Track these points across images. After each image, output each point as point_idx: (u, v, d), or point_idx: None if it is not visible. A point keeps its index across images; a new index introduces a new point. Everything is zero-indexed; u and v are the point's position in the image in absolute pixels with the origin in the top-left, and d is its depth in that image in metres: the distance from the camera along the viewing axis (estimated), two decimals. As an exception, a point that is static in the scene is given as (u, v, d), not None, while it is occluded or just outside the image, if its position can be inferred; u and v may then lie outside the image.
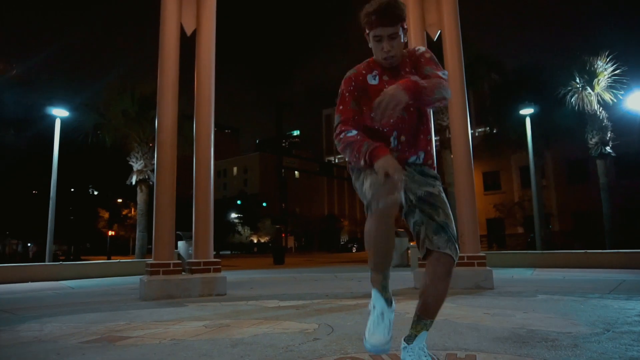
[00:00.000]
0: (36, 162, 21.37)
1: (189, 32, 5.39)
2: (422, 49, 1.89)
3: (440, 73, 1.74)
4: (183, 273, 4.92)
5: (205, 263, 4.93)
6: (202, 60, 5.41)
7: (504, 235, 28.40)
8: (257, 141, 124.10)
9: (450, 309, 3.45)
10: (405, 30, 1.81)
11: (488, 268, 4.99)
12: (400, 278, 6.73)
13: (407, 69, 1.83)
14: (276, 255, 18.29)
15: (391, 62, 1.82)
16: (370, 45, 1.84)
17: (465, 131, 5.33)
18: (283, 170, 32.47)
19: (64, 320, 3.40)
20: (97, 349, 2.35)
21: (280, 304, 4.11)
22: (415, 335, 1.77)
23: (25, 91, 13.73)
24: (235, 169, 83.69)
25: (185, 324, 3.10)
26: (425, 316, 1.77)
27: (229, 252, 51.13)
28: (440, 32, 5.57)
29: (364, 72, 1.85)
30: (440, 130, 13.96)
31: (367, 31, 1.81)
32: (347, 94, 1.82)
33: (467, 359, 1.95)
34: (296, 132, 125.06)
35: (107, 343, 2.50)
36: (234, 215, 55.01)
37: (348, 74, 1.86)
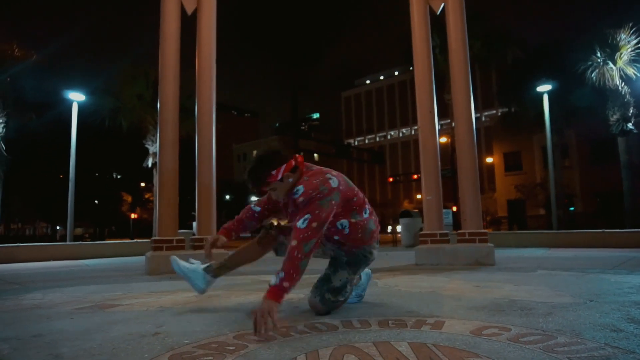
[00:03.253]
0: (60, 147, 22.01)
1: (189, 11, 5.41)
2: (299, 192, 2.13)
3: (299, 223, 2.05)
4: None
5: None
6: (203, 39, 5.43)
7: (525, 217, 27.92)
8: (277, 125, 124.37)
9: (442, 282, 3.47)
10: (283, 177, 2.16)
11: (489, 244, 4.95)
12: (404, 256, 6.75)
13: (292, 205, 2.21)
14: (292, 236, 18.45)
15: (282, 201, 2.32)
16: None
17: (468, 111, 5.22)
18: (301, 153, 32.51)
19: (67, 291, 3.56)
20: (86, 314, 2.46)
21: (277, 278, 4.18)
22: None
23: (44, 76, 14.07)
24: (255, 152, 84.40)
25: (179, 294, 3.21)
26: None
27: (249, 235, 51.87)
28: (444, 6, 5.43)
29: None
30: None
31: None
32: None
33: (435, 324, 1.97)
34: (316, 115, 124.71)
35: (97, 309, 2.62)
36: (253, 198, 55.67)
37: None
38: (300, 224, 2.04)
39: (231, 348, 1.66)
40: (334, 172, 2.25)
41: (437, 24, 6.50)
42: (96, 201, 33.89)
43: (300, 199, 2.09)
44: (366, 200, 2.38)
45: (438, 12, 5.46)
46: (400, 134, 75.45)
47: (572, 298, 2.57)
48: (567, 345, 1.57)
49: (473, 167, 5.12)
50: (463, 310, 2.27)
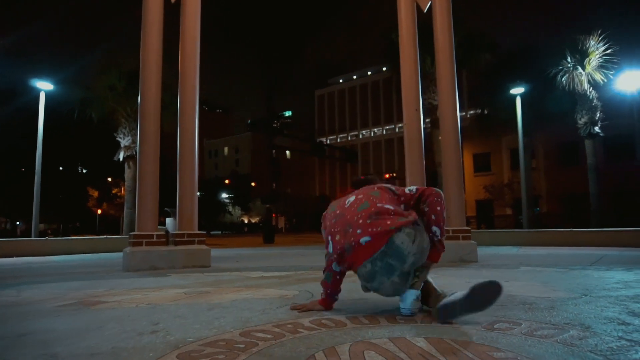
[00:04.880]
0: (22, 138, 21.00)
1: (173, -1, 5.22)
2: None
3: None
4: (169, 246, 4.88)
5: (189, 235, 4.88)
6: (186, 29, 5.26)
7: (493, 217, 28.67)
8: (249, 121, 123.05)
9: (433, 278, 3.45)
10: None
11: (472, 242, 5.01)
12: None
13: None
14: (266, 234, 18.28)
15: None
16: None
17: (454, 110, 5.26)
18: (274, 150, 32.16)
19: (43, 287, 3.36)
20: (72, 312, 2.32)
21: (264, 274, 4.10)
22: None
23: (9, 63, 13.38)
24: (226, 149, 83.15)
25: (166, 291, 3.08)
26: None
27: (219, 232, 51.14)
28: (431, 4, 5.46)
29: None
30: (431, 109, 13.88)
31: None
32: None
33: (443, 319, 1.94)
34: (288, 113, 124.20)
35: (83, 306, 2.47)
36: (224, 195, 54.89)
37: None
38: None
39: (241, 346, 1.58)
40: (337, 199, 2.40)
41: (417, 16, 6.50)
42: (60, 196, 32.55)
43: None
44: (335, 225, 2.27)
45: (425, 10, 5.48)
46: (372, 134, 76.10)
47: (566, 293, 2.61)
48: (583, 339, 1.57)
49: (458, 166, 5.17)
50: (466, 306, 2.25)
